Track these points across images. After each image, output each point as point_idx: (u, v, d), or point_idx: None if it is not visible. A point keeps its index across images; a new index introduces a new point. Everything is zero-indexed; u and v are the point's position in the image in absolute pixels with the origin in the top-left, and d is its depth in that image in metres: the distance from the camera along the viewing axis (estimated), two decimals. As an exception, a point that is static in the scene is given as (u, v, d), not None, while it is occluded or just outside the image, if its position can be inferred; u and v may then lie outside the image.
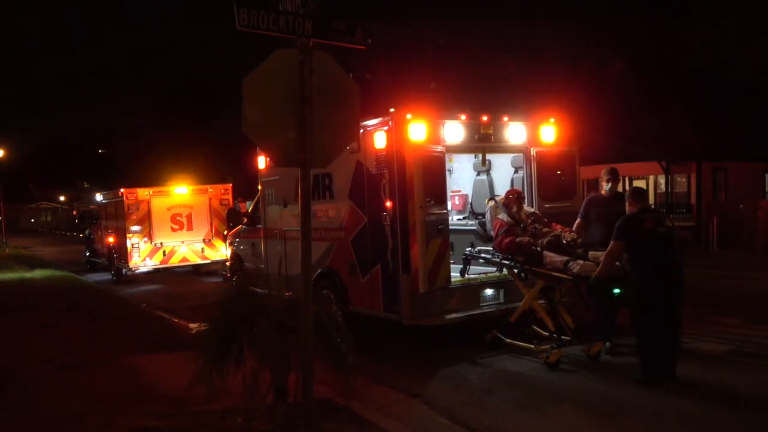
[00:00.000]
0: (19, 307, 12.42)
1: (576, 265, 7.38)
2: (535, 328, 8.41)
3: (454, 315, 8.24)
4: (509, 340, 8.15)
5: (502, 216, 8.51)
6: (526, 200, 9.04)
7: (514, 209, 8.60)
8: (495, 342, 8.23)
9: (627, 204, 7.14)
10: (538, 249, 7.85)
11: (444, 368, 7.66)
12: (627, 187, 26.62)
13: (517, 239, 8.08)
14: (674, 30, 23.20)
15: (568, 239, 7.98)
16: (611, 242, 7.01)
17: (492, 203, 8.92)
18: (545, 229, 8.35)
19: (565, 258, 7.56)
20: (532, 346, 7.96)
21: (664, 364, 6.80)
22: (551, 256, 7.72)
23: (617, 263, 7.13)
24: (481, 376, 7.38)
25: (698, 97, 22.93)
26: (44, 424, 5.89)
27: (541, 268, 7.77)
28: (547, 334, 8.00)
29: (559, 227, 8.38)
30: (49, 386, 7.06)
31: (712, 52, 22.40)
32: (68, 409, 6.16)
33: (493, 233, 8.61)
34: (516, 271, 8.15)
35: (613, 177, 8.32)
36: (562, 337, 7.75)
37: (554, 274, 7.62)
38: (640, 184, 26.75)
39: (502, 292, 8.75)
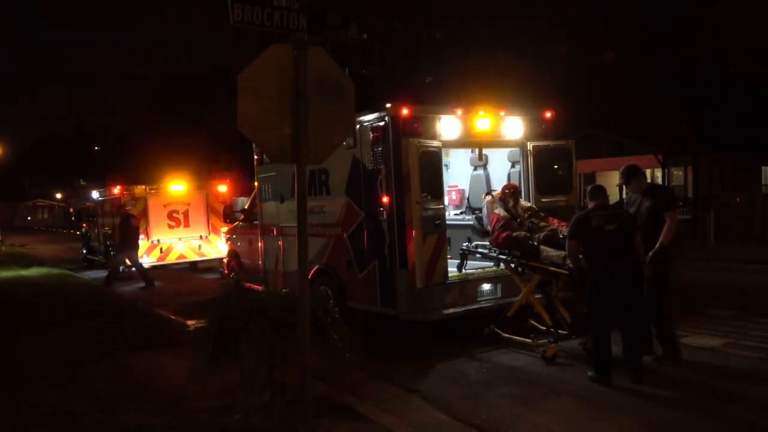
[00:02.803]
0: (15, 305, 12.39)
1: None
2: (532, 322, 8.41)
3: (451, 310, 8.24)
4: (506, 335, 8.16)
5: (499, 211, 8.52)
6: (522, 195, 9.05)
7: (511, 204, 8.63)
8: (492, 337, 8.23)
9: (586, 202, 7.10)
10: (535, 243, 7.86)
11: (441, 363, 7.66)
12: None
13: (514, 234, 8.08)
14: (670, 21, 23.18)
15: (565, 234, 7.98)
16: (567, 241, 7.05)
17: (488, 198, 8.93)
18: (542, 224, 8.36)
19: (562, 252, 7.56)
20: (530, 340, 7.97)
21: (626, 362, 6.73)
22: (548, 251, 7.73)
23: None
24: (478, 371, 7.38)
25: (694, 89, 22.92)
26: (41, 422, 5.88)
27: (538, 263, 7.78)
28: (544, 328, 8.01)
29: (555, 221, 8.39)
30: (46, 384, 7.04)
31: (708, 44, 22.37)
32: (65, 407, 6.14)
33: (489, 228, 8.62)
34: (513, 265, 8.15)
35: (626, 176, 7.43)
36: (559, 331, 7.76)
37: (551, 268, 7.63)
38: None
39: (499, 286, 8.75)
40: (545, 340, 7.73)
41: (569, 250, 6.99)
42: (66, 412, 6.02)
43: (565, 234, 7.94)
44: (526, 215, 8.55)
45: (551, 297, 8.03)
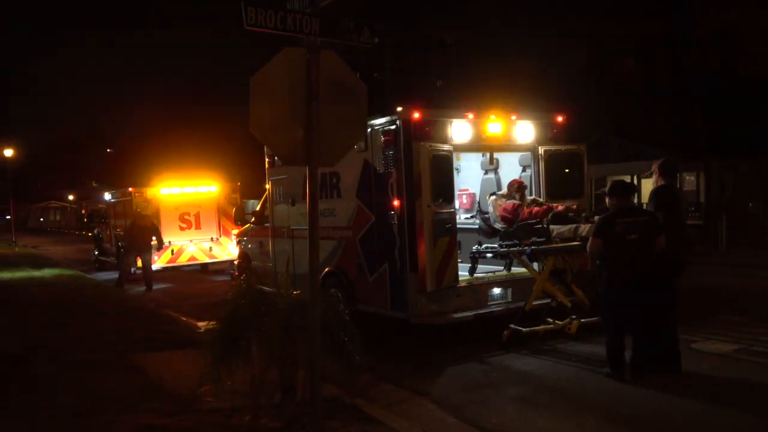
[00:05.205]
0: (27, 305, 12.48)
1: (584, 229, 7.57)
2: (548, 320, 8.36)
3: (461, 314, 8.24)
4: (527, 329, 8.06)
5: (511, 200, 8.78)
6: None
7: (517, 197, 8.79)
8: (514, 337, 8.08)
9: (606, 199, 7.02)
10: (545, 225, 8.06)
11: (451, 367, 7.66)
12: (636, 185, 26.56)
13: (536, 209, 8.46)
14: (682, 27, 23.11)
15: (571, 210, 8.35)
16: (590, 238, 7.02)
17: (493, 197, 9.08)
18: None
19: (572, 225, 7.84)
20: (552, 325, 8.03)
21: (633, 362, 6.78)
22: (558, 228, 7.94)
23: None
24: (488, 375, 7.37)
25: (706, 94, 22.81)
26: (52, 422, 5.92)
27: (551, 244, 7.97)
28: (561, 323, 8.03)
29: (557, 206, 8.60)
30: (57, 384, 7.09)
31: (720, 49, 22.29)
32: (76, 407, 6.17)
33: (499, 225, 8.78)
34: (524, 256, 8.20)
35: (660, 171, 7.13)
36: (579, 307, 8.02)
37: (563, 245, 7.84)
38: (647, 182, 26.60)
39: (510, 291, 8.75)
40: (567, 320, 7.88)
41: (592, 248, 6.97)
42: (77, 411, 6.05)
43: (572, 211, 8.31)
44: (534, 207, 8.77)
45: (567, 283, 8.17)
